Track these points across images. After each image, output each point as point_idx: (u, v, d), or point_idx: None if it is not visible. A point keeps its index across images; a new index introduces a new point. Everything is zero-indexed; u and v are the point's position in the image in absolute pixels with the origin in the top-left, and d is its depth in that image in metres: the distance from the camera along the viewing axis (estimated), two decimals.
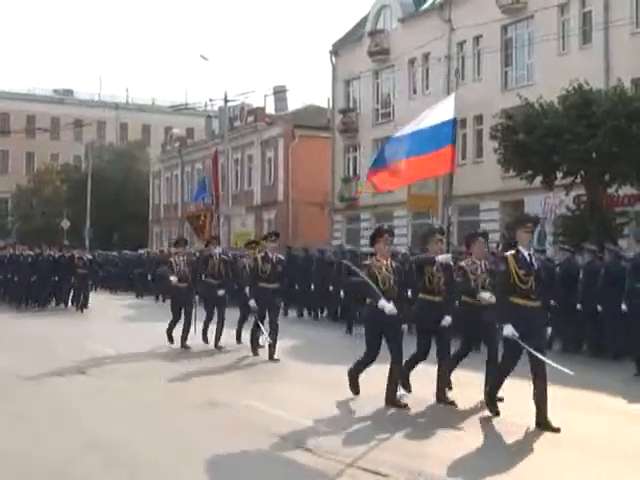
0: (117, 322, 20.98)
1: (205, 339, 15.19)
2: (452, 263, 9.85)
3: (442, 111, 10.51)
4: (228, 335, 15.03)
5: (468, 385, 10.04)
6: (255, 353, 13.58)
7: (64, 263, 24.56)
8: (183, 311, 15.09)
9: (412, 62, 34.47)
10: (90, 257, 25.96)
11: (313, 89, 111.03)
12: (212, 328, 15.02)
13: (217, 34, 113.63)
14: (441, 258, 9.61)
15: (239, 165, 47.04)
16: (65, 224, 50.94)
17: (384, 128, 36.40)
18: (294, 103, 50.02)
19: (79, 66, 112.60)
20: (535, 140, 20.25)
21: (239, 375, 11.62)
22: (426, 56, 33.59)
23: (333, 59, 39.99)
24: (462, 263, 10.07)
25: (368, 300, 9.44)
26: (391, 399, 9.21)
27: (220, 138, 44.63)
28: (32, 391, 10.42)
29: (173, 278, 15.06)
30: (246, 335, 14.41)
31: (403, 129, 11.07)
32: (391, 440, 7.66)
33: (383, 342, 9.48)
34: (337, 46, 39.95)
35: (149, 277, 30.19)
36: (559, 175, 21.27)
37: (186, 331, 14.93)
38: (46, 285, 24.71)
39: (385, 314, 9.08)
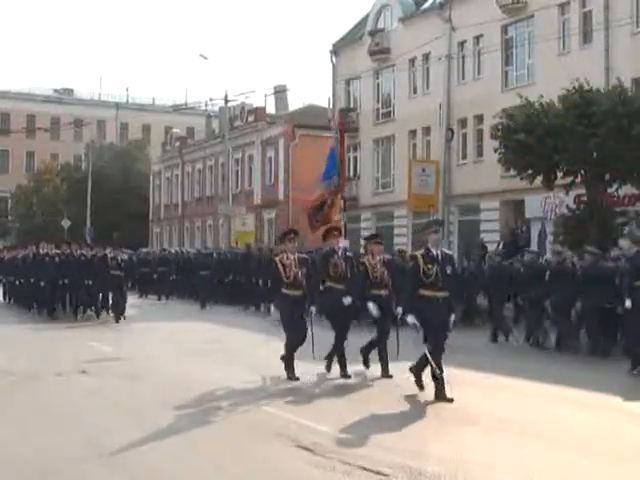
0: (119, 321, 20.89)
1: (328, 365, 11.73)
2: None
3: None
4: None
5: (468, 385, 10.05)
6: (421, 387, 9.97)
7: (97, 264, 21.14)
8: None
9: (412, 62, 34.44)
10: (125, 257, 22.37)
11: (313, 89, 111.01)
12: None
13: (217, 34, 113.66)
14: None
15: (239, 165, 47.03)
16: (65, 223, 50.98)
17: (384, 128, 36.45)
18: (294, 103, 50.09)
19: (79, 65, 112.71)
20: (535, 140, 20.26)
21: (239, 375, 11.61)
22: (426, 56, 33.55)
23: (333, 59, 39.94)
24: None
25: None
26: None
27: (220, 138, 44.65)
28: (32, 391, 10.43)
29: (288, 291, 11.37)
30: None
31: None
32: (391, 440, 7.66)
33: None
34: (337, 46, 39.92)
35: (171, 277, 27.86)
36: (559, 175, 21.28)
37: (309, 344, 11.53)
38: (79, 290, 21.31)
39: None
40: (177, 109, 55.56)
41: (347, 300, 11.44)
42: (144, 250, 39.20)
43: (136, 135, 66.76)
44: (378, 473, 6.53)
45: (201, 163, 51.91)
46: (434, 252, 9.73)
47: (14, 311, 23.83)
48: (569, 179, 21.16)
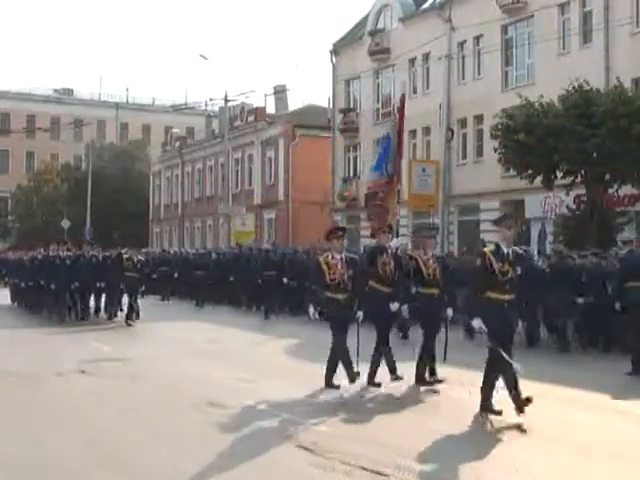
0: (118, 321, 20.78)
1: (372, 379, 10.61)
2: None
3: None
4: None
5: (468, 385, 10.04)
6: (521, 412, 8.48)
7: (111, 265, 20.30)
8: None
9: (412, 62, 34.46)
10: (141, 258, 21.35)
11: (313, 89, 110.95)
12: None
13: (217, 34, 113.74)
14: None
15: (239, 165, 47.06)
16: (65, 223, 51.00)
17: (384, 128, 36.40)
18: (294, 103, 50.12)
19: (79, 65, 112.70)
20: (535, 140, 20.26)
21: (239, 375, 11.62)
22: (426, 56, 33.57)
23: (333, 59, 39.97)
24: None
25: None
26: None
27: (220, 138, 44.66)
28: (32, 390, 10.43)
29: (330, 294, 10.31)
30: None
31: None
32: (391, 440, 7.65)
33: None
34: (337, 46, 39.94)
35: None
36: (559, 175, 21.28)
37: (348, 365, 10.28)
38: (90, 293, 20.59)
39: None
40: (177, 109, 55.61)
41: (394, 306, 10.53)
42: (144, 250, 39.25)
43: (136, 135, 66.78)
44: (378, 473, 6.53)
45: (201, 163, 51.93)
46: (504, 250, 8.75)
47: (20, 314, 23.29)
48: (569, 179, 21.16)
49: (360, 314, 10.45)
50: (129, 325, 19.19)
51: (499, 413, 8.52)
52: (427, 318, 10.51)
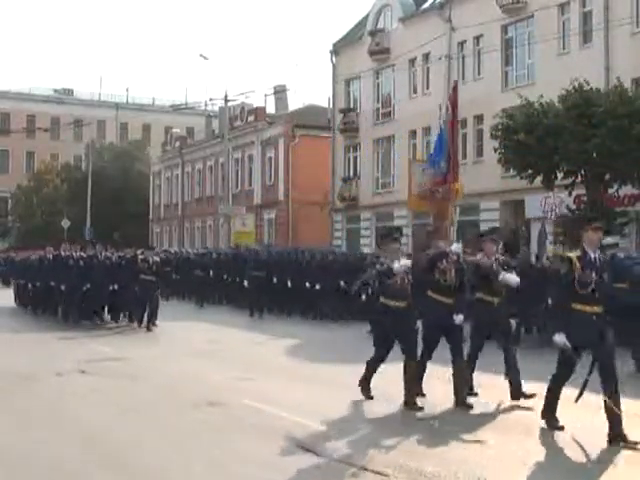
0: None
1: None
2: None
3: None
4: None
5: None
6: (627, 441, 7.43)
7: (125, 267, 19.47)
8: (402, 347, 9.41)
9: (412, 62, 34.45)
10: (157, 259, 20.13)
11: (313, 89, 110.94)
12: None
13: (217, 34, 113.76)
14: None
15: (239, 165, 47.05)
16: (65, 223, 51.02)
17: (384, 128, 36.45)
18: (294, 103, 50.15)
19: (79, 66, 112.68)
20: (535, 140, 20.27)
21: (239, 375, 11.62)
22: (426, 56, 33.56)
23: (333, 59, 39.97)
24: None
25: None
26: None
27: (220, 138, 44.66)
28: (31, 390, 10.44)
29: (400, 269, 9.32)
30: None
31: None
32: (392, 440, 7.65)
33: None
34: (337, 45, 39.94)
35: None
36: (559, 175, 21.29)
37: (411, 381, 9.30)
38: (102, 296, 19.51)
39: None
40: (177, 109, 55.61)
41: (459, 318, 9.45)
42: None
43: (136, 135, 66.78)
44: (378, 473, 6.53)
45: (201, 163, 51.93)
46: (592, 255, 7.72)
47: (23, 315, 22.94)
48: (569, 179, 21.17)
49: (420, 323, 9.65)
50: (152, 327, 18.41)
51: (561, 428, 7.94)
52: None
